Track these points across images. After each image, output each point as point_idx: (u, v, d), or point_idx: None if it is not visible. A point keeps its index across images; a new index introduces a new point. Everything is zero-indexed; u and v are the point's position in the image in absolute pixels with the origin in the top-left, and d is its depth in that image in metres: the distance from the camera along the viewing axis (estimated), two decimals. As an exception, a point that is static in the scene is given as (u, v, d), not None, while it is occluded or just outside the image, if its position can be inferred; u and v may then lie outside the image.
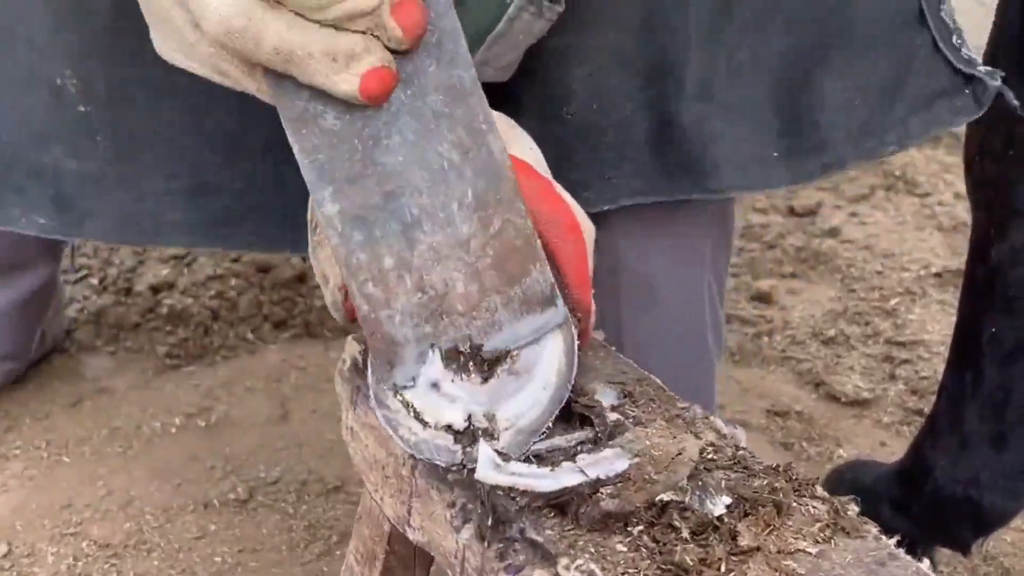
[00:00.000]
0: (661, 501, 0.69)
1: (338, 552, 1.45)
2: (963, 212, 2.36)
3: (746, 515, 0.68)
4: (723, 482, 0.70)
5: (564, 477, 0.71)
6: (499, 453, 0.73)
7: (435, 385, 0.76)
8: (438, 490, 0.78)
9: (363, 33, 0.69)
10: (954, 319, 1.31)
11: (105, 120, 1.09)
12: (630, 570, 0.66)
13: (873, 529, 0.69)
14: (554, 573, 0.68)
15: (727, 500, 0.69)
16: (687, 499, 0.69)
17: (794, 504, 0.70)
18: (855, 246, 2.25)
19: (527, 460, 0.73)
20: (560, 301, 0.79)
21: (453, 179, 0.75)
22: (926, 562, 0.67)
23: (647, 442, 0.73)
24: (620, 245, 1.15)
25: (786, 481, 0.72)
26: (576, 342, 0.80)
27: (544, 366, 0.78)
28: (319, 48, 0.68)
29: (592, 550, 0.68)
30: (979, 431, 1.26)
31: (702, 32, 1.05)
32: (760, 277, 2.15)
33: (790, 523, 0.69)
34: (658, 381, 0.84)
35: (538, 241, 0.78)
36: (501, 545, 0.71)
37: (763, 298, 2.07)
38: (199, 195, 1.11)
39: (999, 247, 1.20)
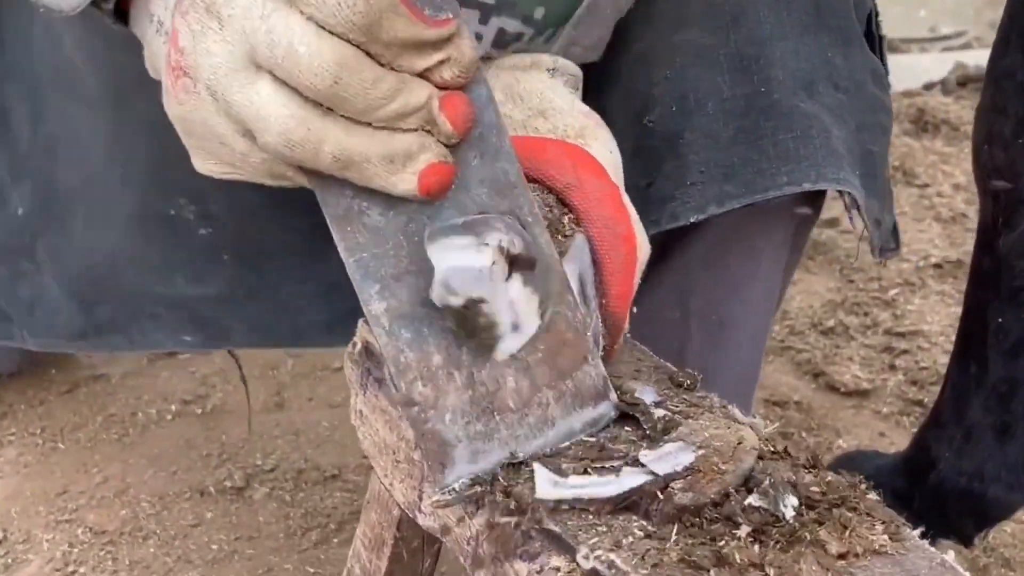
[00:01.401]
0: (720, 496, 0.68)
1: (335, 540, 1.44)
2: (962, 203, 2.36)
3: (819, 520, 0.68)
4: (785, 479, 0.70)
5: (628, 479, 0.69)
6: (555, 470, 0.72)
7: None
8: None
9: (416, 131, 0.68)
10: (954, 310, 1.31)
11: (228, 238, 1.08)
12: (653, 560, 0.65)
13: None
14: (571, 561, 0.67)
15: (795, 501, 0.68)
16: (753, 499, 0.68)
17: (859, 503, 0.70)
18: (854, 236, 2.24)
19: (585, 469, 0.72)
20: (612, 394, 0.77)
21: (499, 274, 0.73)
22: (951, 553, 0.66)
23: (705, 434, 0.72)
24: (694, 269, 1.11)
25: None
26: (602, 347, 0.79)
27: None
28: (377, 152, 0.67)
29: (611, 539, 0.67)
30: (983, 423, 1.25)
31: (797, 30, 1.01)
32: (758, 267, 2.14)
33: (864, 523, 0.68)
34: (671, 367, 0.84)
35: (590, 335, 0.77)
36: (517, 532, 0.70)
37: (762, 288, 2.06)
38: (329, 295, 1.09)
39: (1006, 237, 1.19)
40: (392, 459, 0.85)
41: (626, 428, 0.77)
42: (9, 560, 1.40)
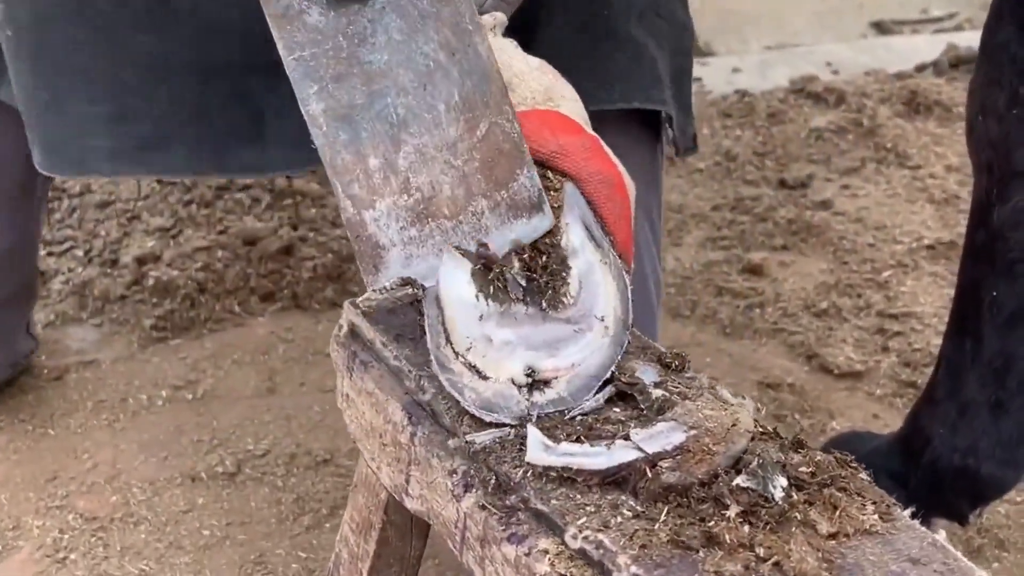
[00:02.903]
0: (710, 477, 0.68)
1: (327, 525, 1.43)
2: (954, 184, 2.35)
3: (809, 500, 0.67)
4: (775, 460, 0.69)
5: (618, 453, 0.69)
6: (548, 435, 0.72)
7: (489, 339, 0.75)
8: (438, 458, 0.77)
9: None
10: (947, 291, 1.30)
11: (26, 45, 1.10)
12: (642, 540, 0.64)
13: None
14: (560, 543, 0.66)
15: (784, 482, 0.67)
16: (742, 479, 0.68)
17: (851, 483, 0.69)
18: (847, 219, 2.24)
19: (578, 440, 0.72)
20: (547, 207, 0.78)
21: (439, 80, 0.74)
22: (942, 533, 0.66)
23: (699, 414, 0.72)
24: None
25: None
26: (629, 288, 0.79)
27: (600, 311, 0.77)
28: None
29: (599, 519, 0.66)
30: (978, 398, 1.25)
31: None
32: (751, 250, 2.13)
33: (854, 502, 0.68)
34: (661, 348, 0.83)
35: (526, 145, 0.77)
36: (504, 514, 0.70)
37: (754, 271, 2.05)
38: (120, 121, 1.11)
39: (1000, 210, 1.18)
40: (379, 442, 0.84)
41: (623, 406, 0.77)
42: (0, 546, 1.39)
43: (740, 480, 0.68)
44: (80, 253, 2.00)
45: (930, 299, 1.97)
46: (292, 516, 1.45)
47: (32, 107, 1.12)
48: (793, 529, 0.65)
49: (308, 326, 1.85)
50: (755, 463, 0.68)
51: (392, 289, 0.74)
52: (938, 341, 1.35)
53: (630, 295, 0.79)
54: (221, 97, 1.10)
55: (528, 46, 1.05)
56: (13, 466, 1.52)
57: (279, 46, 0.71)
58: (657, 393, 0.76)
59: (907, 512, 0.68)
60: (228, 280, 1.92)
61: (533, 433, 0.72)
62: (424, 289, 0.75)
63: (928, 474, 1.30)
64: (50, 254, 1.98)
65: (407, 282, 0.75)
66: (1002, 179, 1.18)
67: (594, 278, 0.79)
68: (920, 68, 2.92)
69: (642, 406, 0.76)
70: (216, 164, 1.12)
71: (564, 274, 0.78)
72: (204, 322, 1.85)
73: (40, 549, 1.38)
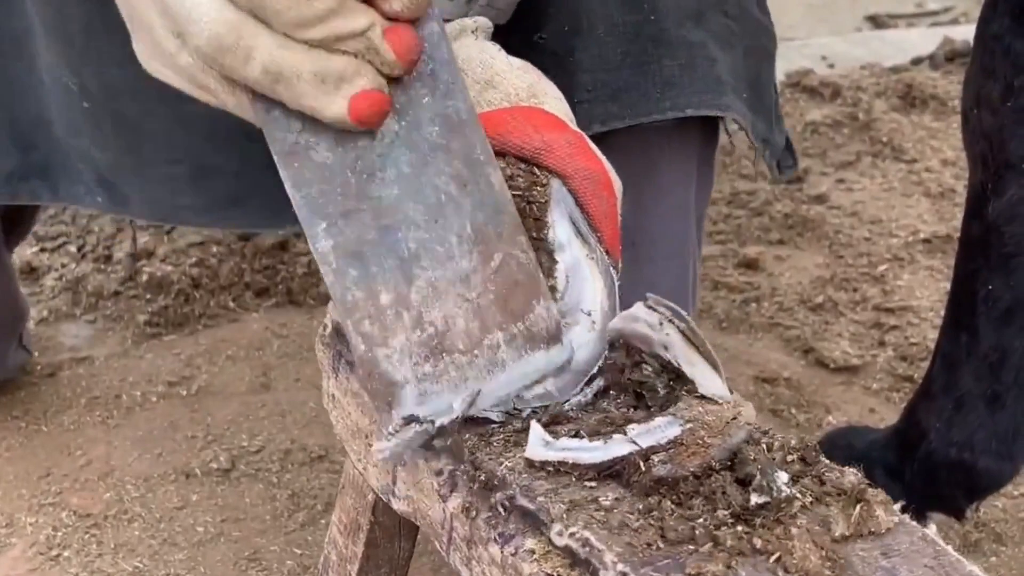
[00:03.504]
0: (713, 470, 0.67)
1: (322, 521, 1.43)
2: (950, 178, 2.35)
3: (806, 497, 0.67)
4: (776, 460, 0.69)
5: (614, 448, 0.69)
6: (548, 430, 0.71)
7: None
8: (424, 458, 0.76)
9: (354, 56, 0.67)
10: (943, 285, 1.30)
11: (104, 115, 1.09)
12: (629, 537, 0.64)
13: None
14: (547, 544, 0.66)
15: (784, 478, 0.67)
16: (739, 475, 0.67)
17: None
18: (843, 212, 2.23)
19: (577, 435, 0.71)
20: (565, 339, 0.76)
21: (451, 212, 0.72)
22: (933, 527, 0.65)
23: (699, 408, 0.71)
24: None
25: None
26: (617, 284, 0.78)
27: (587, 306, 0.77)
28: (308, 68, 0.66)
29: (586, 516, 0.66)
30: (974, 392, 1.24)
31: None
32: (747, 244, 2.13)
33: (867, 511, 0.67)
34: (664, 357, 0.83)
35: (542, 276, 0.76)
36: (490, 513, 0.69)
37: (750, 265, 2.05)
38: (200, 178, 1.11)
39: (995, 203, 1.18)
40: (365, 443, 0.84)
41: (629, 404, 0.76)
42: (-8, 544, 1.39)
43: (737, 477, 0.67)
44: (73, 249, 1.99)
45: (926, 293, 1.97)
46: (287, 512, 1.45)
47: (121, 171, 1.13)
48: (793, 526, 0.65)
49: (303, 322, 1.84)
50: (752, 459, 0.68)
51: (398, 431, 0.72)
52: (934, 335, 1.35)
53: (617, 291, 0.79)
54: None
55: (570, 55, 1.04)
56: (5, 463, 1.51)
57: (286, 184, 0.70)
58: (665, 392, 0.75)
59: (897, 506, 0.68)
60: (222, 276, 1.91)
61: (535, 429, 0.71)
62: (433, 423, 0.72)
63: (924, 468, 1.30)
64: (43, 250, 1.97)
65: (411, 420, 0.72)
66: (996, 172, 1.17)
67: (581, 273, 0.78)
68: (916, 62, 2.91)
69: (649, 404, 0.75)
70: (293, 217, 1.12)
71: (551, 268, 0.78)
72: (198, 318, 1.84)
73: (33, 546, 1.38)
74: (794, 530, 0.63)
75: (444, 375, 0.73)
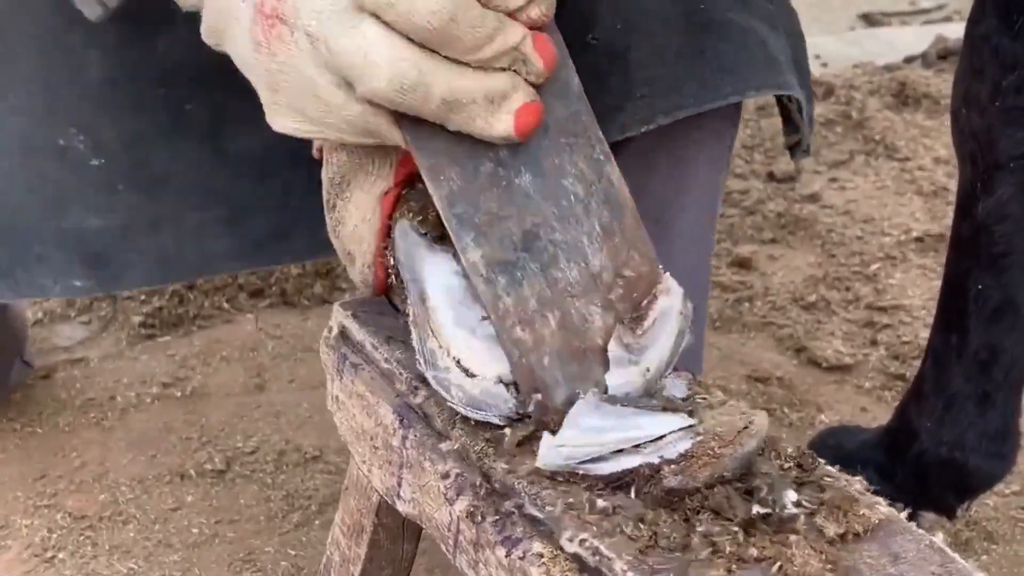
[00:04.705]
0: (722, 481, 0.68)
1: (317, 522, 1.43)
2: (943, 177, 2.35)
3: (811, 504, 0.67)
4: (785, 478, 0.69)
5: (625, 459, 0.70)
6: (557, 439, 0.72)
7: (473, 330, 0.75)
8: (431, 461, 0.76)
9: (507, 71, 0.69)
10: (935, 284, 1.30)
11: (122, 169, 1.06)
12: (640, 546, 0.64)
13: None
14: (553, 548, 0.66)
15: (793, 496, 0.67)
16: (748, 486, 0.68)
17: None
18: (835, 211, 2.24)
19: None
20: (687, 307, 0.78)
21: (580, 213, 0.75)
22: (940, 535, 0.66)
23: (712, 421, 0.72)
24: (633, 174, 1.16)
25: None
26: (688, 329, 0.79)
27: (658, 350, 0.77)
28: (480, 92, 0.68)
29: (596, 525, 0.66)
30: (964, 392, 1.25)
31: None
32: (740, 243, 2.13)
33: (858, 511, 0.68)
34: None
35: (658, 263, 0.78)
36: (497, 517, 0.70)
37: (743, 264, 2.06)
38: (237, 221, 1.09)
39: (984, 202, 1.19)
40: (370, 445, 0.84)
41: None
42: (-13, 546, 1.39)
43: (745, 489, 0.68)
44: (67, 250, 1.99)
45: (919, 292, 1.98)
46: (281, 513, 1.45)
47: (132, 231, 1.08)
48: (794, 534, 0.65)
49: (297, 323, 1.84)
50: (764, 472, 0.68)
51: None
52: (927, 334, 1.36)
53: (685, 334, 0.79)
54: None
55: (626, 53, 1.04)
56: (0, 465, 1.51)
57: (434, 197, 0.72)
58: (682, 406, 0.76)
59: (903, 514, 0.68)
60: (216, 277, 1.91)
61: (546, 438, 0.72)
62: None
63: (915, 468, 1.30)
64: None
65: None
66: (986, 171, 1.18)
67: (668, 322, 0.79)
68: (909, 60, 2.92)
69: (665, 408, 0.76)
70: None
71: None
72: (192, 319, 1.84)
73: (28, 548, 1.38)
74: (793, 537, 0.64)
75: (589, 373, 0.75)
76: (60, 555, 1.37)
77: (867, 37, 3.13)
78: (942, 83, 2.71)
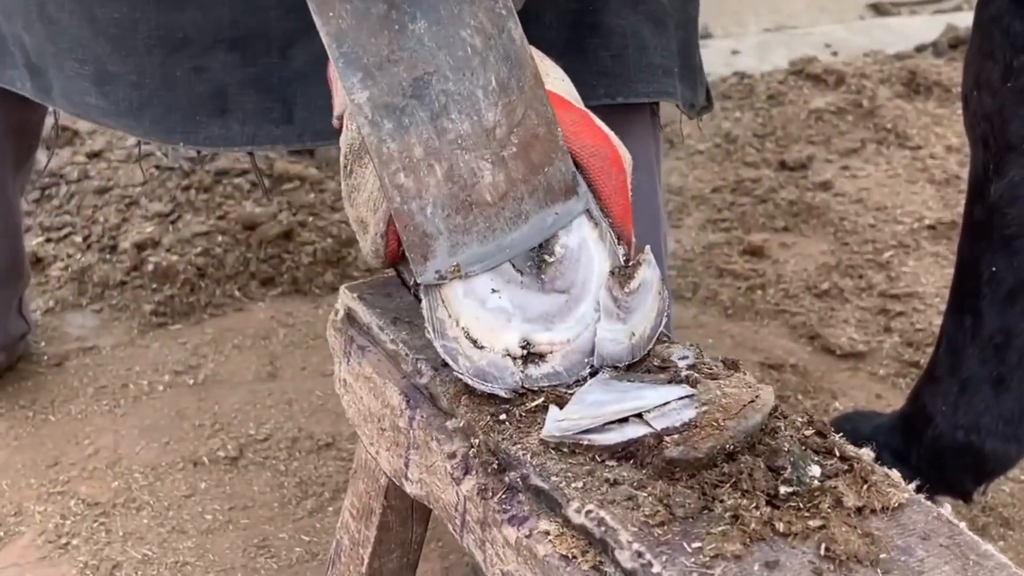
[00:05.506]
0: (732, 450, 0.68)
1: (330, 508, 1.43)
2: (955, 165, 2.35)
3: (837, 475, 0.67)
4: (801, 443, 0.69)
5: (629, 429, 0.70)
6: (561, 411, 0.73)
7: (483, 301, 0.75)
8: (437, 441, 0.76)
9: None
10: (948, 271, 1.29)
11: (33, 3, 1.19)
12: (644, 517, 0.64)
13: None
14: (561, 525, 0.66)
15: (816, 471, 0.67)
16: (781, 462, 0.67)
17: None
18: (847, 199, 2.23)
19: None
20: (581, 188, 0.78)
21: (477, 65, 0.74)
22: (947, 507, 0.66)
23: (717, 391, 0.72)
24: None
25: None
26: (666, 312, 0.80)
27: (593, 286, 0.78)
28: None
29: (600, 496, 0.66)
30: (979, 374, 1.24)
31: None
32: (752, 231, 2.13)
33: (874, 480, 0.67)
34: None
35: (559, 129, 0.78)
36: (504, 495, 0.69)
37: (756, 252, 2.05)
38: (103, 82, 1.19)
39: (997, 184, 1.18)
40: (377, 427, 0.84)
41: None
42: (1, 532, 1.38)
43: (768, 465, 0.67)
44: (79, 239, 1.99)
45: (932, 279, 1.97)
46: (295, 500, 1.45)
47: (44, 58, 1.22)
48: (824, 509, 0.65)
49: (308, 311, 1.84)
50: (787, 450, 0.68)
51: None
52: (940, 321, 1.35)
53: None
54: (185, 70, 1.15)
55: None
56: (14, 452, 1.51)
57: (322, 33, 0.71)
58: (686, 375, 0.76)
59: (912, 486, 0.68)
60: (228, 265, 1.91)
61: (552, 411, 0.72)
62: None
63: (931, 452, 1.30)
64: (48, 240, 1.98)
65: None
66: (998, 153, 1.17)
67: (588, 253, 0.78)
68: (919, 49, 2.91)
69: (668, 380, 0.76)
70: (185, 135, 1.17)
71: (557, 247, 0.78)
72: (204, 307, 1.84)
73: (42, 535, 1.38)
74: (830, 511, 0.64)
75: (474, 227, 0.75)
76: (74, 541, 1.37)
77: (877, 26, 3.12)
78: (953, 71, 2.70)
